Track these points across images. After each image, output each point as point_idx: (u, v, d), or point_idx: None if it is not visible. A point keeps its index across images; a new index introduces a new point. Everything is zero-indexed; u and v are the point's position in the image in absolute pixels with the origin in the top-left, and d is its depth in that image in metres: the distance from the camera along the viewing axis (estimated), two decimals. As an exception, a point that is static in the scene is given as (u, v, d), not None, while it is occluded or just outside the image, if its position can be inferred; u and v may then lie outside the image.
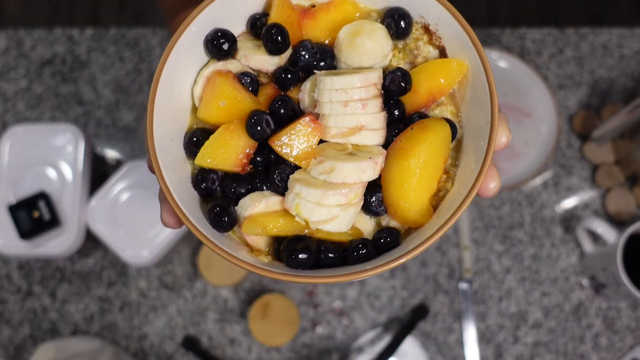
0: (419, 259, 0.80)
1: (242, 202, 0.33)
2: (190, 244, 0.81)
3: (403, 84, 0.34)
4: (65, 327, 0.79)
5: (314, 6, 0.37)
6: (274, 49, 0.35)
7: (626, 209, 0.81)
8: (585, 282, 0.79)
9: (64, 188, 0.73)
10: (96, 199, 0.74)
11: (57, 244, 0.72)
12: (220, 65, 0.35)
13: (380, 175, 0.34)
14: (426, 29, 0.36)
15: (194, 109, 0.35)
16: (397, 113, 0.35)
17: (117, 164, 0.85)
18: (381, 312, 0.79)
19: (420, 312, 0.77)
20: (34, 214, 0.70)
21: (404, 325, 0.75)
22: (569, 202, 0.83)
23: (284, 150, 0.32)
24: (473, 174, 0.32)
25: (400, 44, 0.37)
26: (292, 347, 0.78)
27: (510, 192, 0.83)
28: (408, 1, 0.34)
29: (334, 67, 0.36)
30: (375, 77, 0.34)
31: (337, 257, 0.32)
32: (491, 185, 0.34)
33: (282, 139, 0.32)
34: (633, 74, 0.88)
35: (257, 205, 0.33)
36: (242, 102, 0.34)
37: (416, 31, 0.37)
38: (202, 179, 0.34)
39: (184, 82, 0.35)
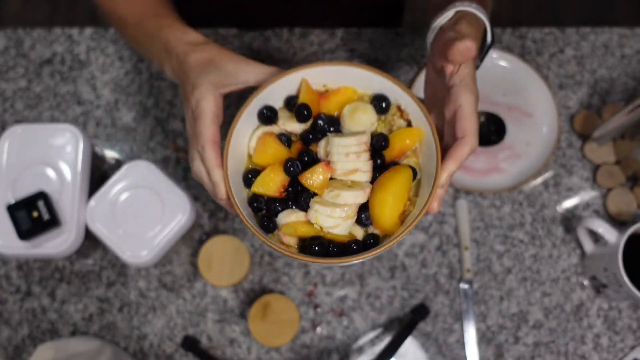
0: (419, 259, 0.80)
1: (280, 215, 0.52)
2: (190, 244, 0.81)
3: (383, 144, 0.53)
4: (64, 327, 0.79)
5: (327, 91, 0.56)
6: (301, 119, 0.54)
7: (627, 209, 0.81)
8: (586, 282, 0.79)
9: (63, 188, 0.73)
10: (95, 199, 0.74)
11: (56, 244, 0.72)
12: (267, 128, 0.55)
13: (368, 200, 0.51)
14: (399, 108, 0.55)
15: (249, 156, 0.55)
16: (379, 161, 0.53)
17: (117, 164, 0.84)
18: (381, 312, 0.79)
19: (420, 313, 0.77)
20: (33, 214, 0.70)
21: (404, 325, 0.75)
22: (569, 202, 0.82)
23: (307, 183, 0.51)
24: (424, 201, 0.49)
25: (382, 117, 0.55)
26: (291, 348, 0.78)
27: (510, 193, 0.83)
28: (388, 90, 0.54)
29: (340, 131, 0.55)
30: (366, 139, 0.52)
31: (339, 250, 0.51)
32: (434, 205, 0.50)
33: (307, 176, 0.51)
34: (634, 74, 0.87)
35: (290, 217, 0.52)
36: (281, 152, 0.53)
37: (392, 109, 0.55)
38: (254, 200, 0.53)
39: (244, 138, 0.54)
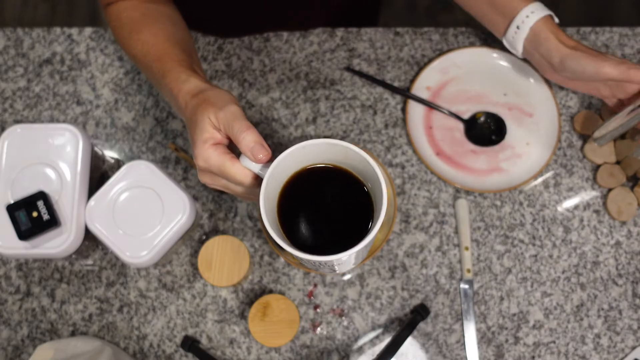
0: (419, 260, 0.80)
1: None
2: (190, 244, 0.81)
3: None
4: (64, 327, 0.79)
5: None
6: None
7: (628, 209, 0.80)
8: None
9: (62, 188, 0.73)
10: (95, 199, 0.73)
11: (55, 244, 0.72)
12: None
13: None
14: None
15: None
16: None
17: (117, 164, 0.84)
18: (381, 312, 0.79)
19: (420, 313, 0.76)
20: (33, 214, 0.70)
21: (405, 326, 0.75)
22: (570, 202, 0.82)
23: None
24: (384, 237, 0.64)
25: None
26: (291, 348, 0.78)
27: (511, 192, 0.83)
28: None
29: None
30: None
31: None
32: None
33: None
34: (634, 74, 0.87)
35: None
36: None
37: None
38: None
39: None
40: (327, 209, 0.56)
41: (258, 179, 0.53)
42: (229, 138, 0.55)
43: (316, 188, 0.55)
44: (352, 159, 0.52)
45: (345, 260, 0.51)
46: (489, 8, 0.74)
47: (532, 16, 0.68)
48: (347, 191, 0.55)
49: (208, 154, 0.54)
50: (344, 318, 0.79)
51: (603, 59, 0.62)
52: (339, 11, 0.95)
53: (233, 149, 0.56)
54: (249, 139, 0.51)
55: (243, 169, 0.53)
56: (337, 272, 0.72)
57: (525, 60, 0.85)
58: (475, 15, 0.79)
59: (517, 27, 0.68)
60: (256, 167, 0.52)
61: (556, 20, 0.67)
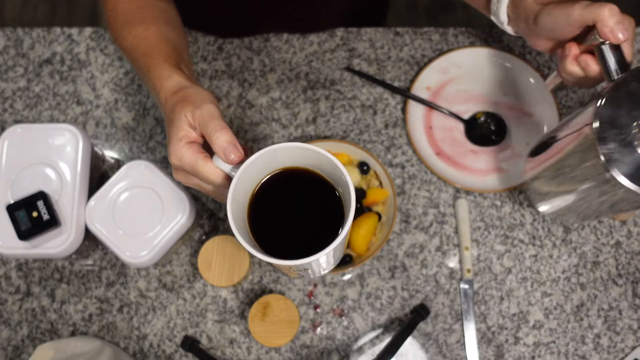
0: (419, 260, 0.80)
1: None
2: (190, 244, 0.81)
3: (362, 195, 0.78)
4: (64, 327, 0.79)
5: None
6: None
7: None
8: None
9: (62, 188, 0.73)
10: (95, 199, 0.73)
11: (55, 244, 0.72)
12: None
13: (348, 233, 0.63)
14: (375, 172, 0.79)
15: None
16: (358, 206, 0.76)
17: (116, 164, 0.84)
18: (381, 312, 0.79)
19: (420, 313, 0.76)
20: (33, 214, 0.70)
21: (405, 326, 0.75)
22: (570, 202, 0.82)
23: None
24: (384, 237, 0.70)
25: (364, 176, 0.79)
26: (291, 348, 0.78)
27: (511, 192, 0.82)
28: (368, 160, 0.80)
29: None
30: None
31: None
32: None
33: None
34: (634, 74, 0.87)
35: None
36: None
37: (371, 172, 0.80)
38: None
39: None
40: (298, 213, 0.55)
41: (230, 180, 0.52)
42: (204, 137, 0.55)
43: (288, 192, 0.55)
44: (323, 164, 0.51)
45: (314, 265, 0.51)
46: None
47: None
48: (318, 196, 0.55)
49: (182, 152, 0.54)
50: (344, 318, 0.79)
51: (572, 4, 0.60)
52: (347, 14, 0.95)
53: (209, 149, 0.56)
54: (222, 139, 0.51)
55: (215, 169, 0.53)
56: (312, 277, 0.72)
57: (525, 60, 0.85)
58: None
59: None
60: (227, 168, 0.52)
61: None
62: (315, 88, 0.87)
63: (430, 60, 0.87)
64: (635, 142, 0.52)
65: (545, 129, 0.83)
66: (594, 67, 0.59)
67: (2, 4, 1.93)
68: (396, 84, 0.87)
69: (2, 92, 0.88)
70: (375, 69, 0.88)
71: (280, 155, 0.52)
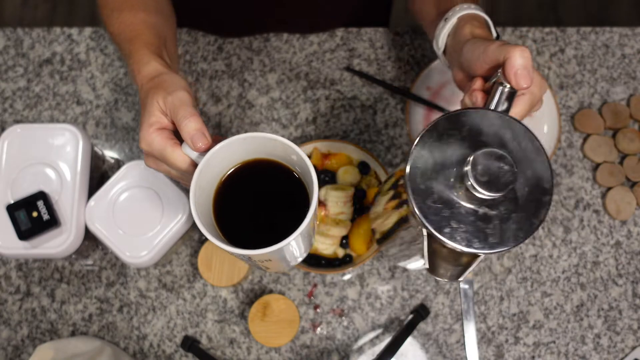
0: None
1: None
2: (190, 244, 0.81)
3: (362, 195, 0.78)
4: (64, 327, 0.79)
5: (330, 153, 0.80)
6: None
7: (626, 208, 0.80)
8: None
9: (62, 188, 0.73)
10: (95, 199, 0.73)
11: (55, 244, 0.72)
12: None
13: (348, 233, 0.75)
14: (375, 173, 0.79)
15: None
16: (358, 207, 0.78)
17: (116, 164, 0.84)
18: (381, 312, 0.79)
19: (420, 313, 0.76)
20: (33, 214, 0.70)
21: (405, 326, 0.75)
22: (570, 202, 0.82)
23: None
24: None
25: (364, 177, 0.80)
26: (291, 348, 0.78)
27: (511, 192, 0.82)
28: (368, 160, 0.81)
29: (335, 182, 0.79)
30: (351, 193, 0.77)
31: (328, 263, 0.75)
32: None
33: None
34: (635, 74, 0.87)
35: None
36: None
37: (371, 172, 0.80)
38: None
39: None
40: (265, 205, 0.55)
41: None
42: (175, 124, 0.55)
43: (255, 183, 0.55)
44: (290, 155, 0.51)
45: (276, 255, 0.50)
46: (435, 13, 0.71)
47: (461, 10, 0.64)
48: (286, 187, 0.54)
49: (152, 137, 0.54)
50: (344, 318, 0.79)
51: (493, 40, 0.58)
52: (349, 17, 0.95)
53: (180, 136, 0.56)
54: (191, 126, 0.51)
55: (183, 156, 0.53)
56: (283, 269, 0.74)
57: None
58: (425, 27, 0.75)
59: (445, 20, 0.65)
60: (194, 155, 0.52)
61: (490, 25, 0.63)
62: (315, 88, 0.87)
63: (430, 60, 0.87)
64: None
65: (545, 129, 0.83)
66: (479, 104, 0.56)
67: (2, 4, 1.93)
68: (396, 84, 0.87)
69: (2, 92, 0.88)
70: (375, 69, 0.88)
71: (248, 145, 0.51)
